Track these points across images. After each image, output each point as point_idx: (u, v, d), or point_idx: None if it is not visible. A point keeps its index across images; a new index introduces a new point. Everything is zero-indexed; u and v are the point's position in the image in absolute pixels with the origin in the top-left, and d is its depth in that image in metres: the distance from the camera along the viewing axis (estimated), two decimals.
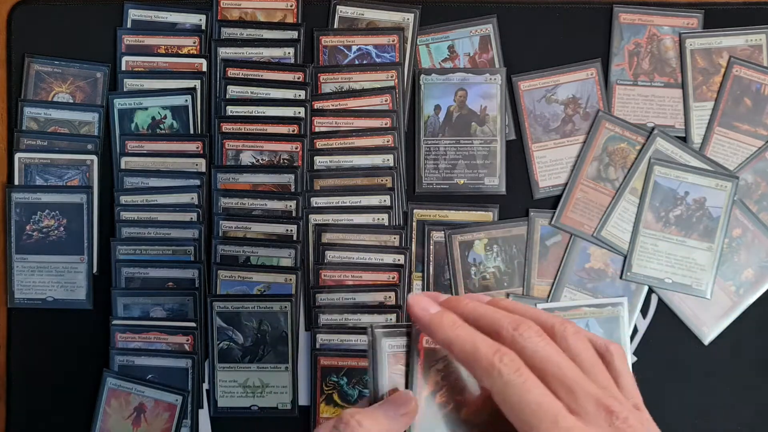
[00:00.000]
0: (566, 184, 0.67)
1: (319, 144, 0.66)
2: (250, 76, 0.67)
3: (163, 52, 0.67)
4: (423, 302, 0.36)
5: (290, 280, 0.65)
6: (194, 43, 0.67)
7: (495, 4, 0.67)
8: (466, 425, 0.36)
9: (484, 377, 0.33)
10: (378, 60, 0.67)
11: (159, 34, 0.67)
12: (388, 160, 0.66)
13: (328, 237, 0.66)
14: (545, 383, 0.32)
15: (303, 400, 0.66)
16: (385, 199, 0.66)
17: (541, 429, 0.31)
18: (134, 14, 0.67)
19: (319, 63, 0.67)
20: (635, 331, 0.66)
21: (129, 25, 0.67)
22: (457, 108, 0.67)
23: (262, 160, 0.66)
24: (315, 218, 0.66)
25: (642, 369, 0.66)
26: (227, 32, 0.67)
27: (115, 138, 0.67)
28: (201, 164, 0.66)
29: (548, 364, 0.32)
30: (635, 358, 0.66)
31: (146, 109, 0.67)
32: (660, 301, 0.66)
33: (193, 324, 0.65)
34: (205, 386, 0.66)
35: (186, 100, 0.67)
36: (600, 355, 0.35)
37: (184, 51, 0.67)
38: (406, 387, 0.37)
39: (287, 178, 0.66)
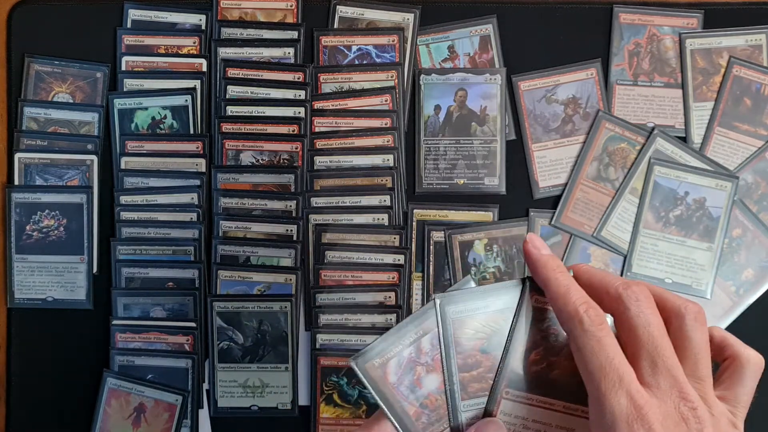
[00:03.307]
0: (566, 184, 0.67)
1: (319, 144, 0.66)
2: (250, 76, 0.67)
3: (163, 52, 0.67)
4: (537, 242, 0.37)
5: (290, 280, 0.65)
6: (194, 43, 0.67)
7: (495, 4, 0.67)
8: (554, 385, 0.37)
9: (566, 321, 0.34)
10: (378, 60, 0.67)
11: (159, 34, 0.67)
12: (388, 160, 0.66)
13: (328, 237, 0.66)
14: (632, 349, 0.33)
15: (303, 400, 0.66)
16: (385, 199, 0.66)
17: (602, 385, 0.31)
18: (134, 14, 0.67)
19: (319, 63, 0.67)
20: None
21: (129, 25, 0.67)
22: (457, 108, 0.67)
23: (262, 160, 0.66)
24: (315, 218, 0.66)
25: None
26: (227, 32, 0.67)
27: (115, 138, 0.67)
28: (201, 164, 0.66)
29: (644, 331, 0.33)
30: None
31: (146, 109, 0.67)
32: None
33: (193, 324, 0.65)
34: (205, 386, 0.66)
35: (186, 100, 0.67)
36: (718, 348, 0.36)
37: (184, 51, 0.67)
38: (507, 341, 0.37)
39: (287, 178, 0.66)
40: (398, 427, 0.36)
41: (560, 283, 0.35)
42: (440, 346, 0.37)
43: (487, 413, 0.37)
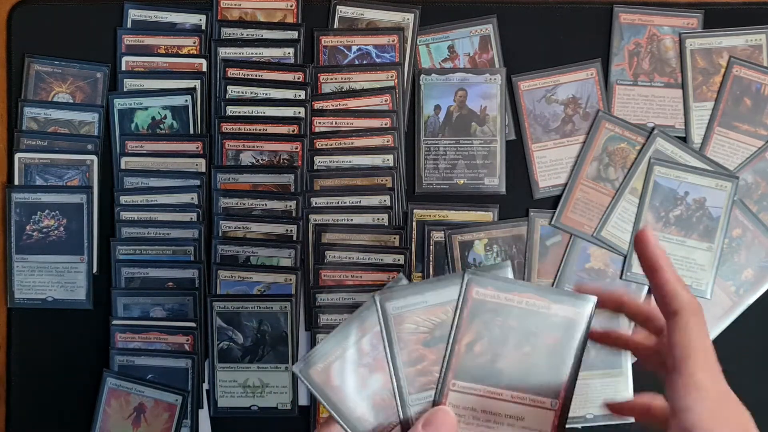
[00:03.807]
0: (566, 184, 0.67)
1: (319, 144, 0.66)
2: (250, 76, 0.67)
3: (163, 52, 0.67)
4: (653, 238, 0.38)
5: (290, 280, 0.65)
6: (194, 43, 0.67)
7: (495, 4, 0.67)
8: (500, 375, 0.38)
9: (680, 305, 0.36)
10: (378, 60, 0.67)
11: (159, 34, 0.67)
12: (388, 160, 0.66)
13: (328, 237, 0.66)
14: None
15: (303, 400, 0.66)
16: (385, 199, 0.66)
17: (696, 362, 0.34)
18: (134, 14, 0.67)
19: (319, 63, 0.67)
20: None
21: (129, 25, 0.67)
22: (457, 108, 0.67)
23: (262, 160, 0.66)
24: (315, 218, 0.66)
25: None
26: (227, 32, 0.67)
27: (115, 138, 0.67)
28: (201, 164, 0.66)
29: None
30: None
31: (146, 109, 0.67)
32: None
33: (193, 324, 0.65)
34: (205, 386, 0.66)
35: (186, 100, 0.67)
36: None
37: (184, 51, 0.67)
38: (450, 334, 0.38)
39: (287, 178, 0.66)
40: (347, 428, 0.37)
41: (674, 272, 0.37)
42: (384, 342, 0.38)
43: (436, 406, 0.38)
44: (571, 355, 0.38)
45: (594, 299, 0.39)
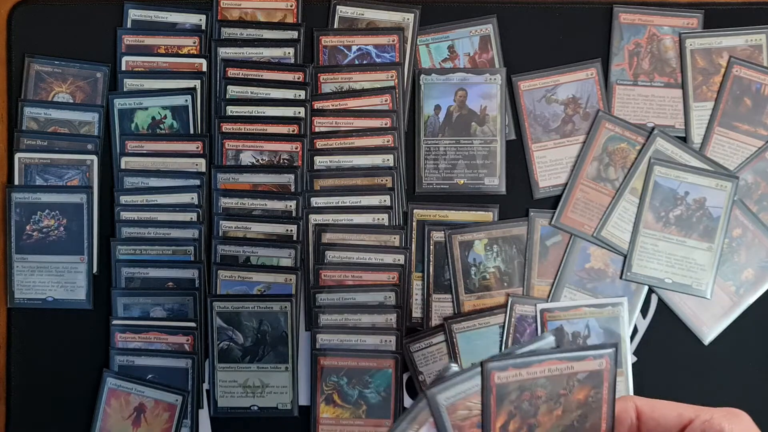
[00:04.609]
0: (566, 184, 0.67)
1: (319, 144, 0.66)
2: (250, 76, 0.67)
3: (163, 52, 0.67)
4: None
5: (290, 280, 0.65)
6: (194, 43, 0.67)
7: (495, 4, 0.67)
8: None
9: None
10: (378, 60, 0.67)
11: (159, 34, 0.67)
12: (388, 160, 0.66)
13: (328, 237, 0.66)
14: None
15: (303, 400, 0.66)
16: (385, 199, 0.66)
17: None
18: (134, 14, 0.67)
19: (319, 63, 0.67)
20: (635, 331, 0.66)
21: (129, 25, 0.67)
22: (457, 108, 0.67)
23: (262, 160, 0.66)
24: (315, 218, 0.66)
25: (642, 369, 0.66)
26: (227, 32, 0.67)
27: (115, 138, 0.67)
28: (201, 164, 0.66)
29: None
30: (635, 359, 0.66)
31: (146, 109, 0.67)
32: (660, 301, 0.66)
33: (193, 324, 0.65)
34: (205, 386, 0.66)
35: (186, 100, 0.67)
36: None
37: (184, 51, 0.67)
38: (482, 424, 0.38)
39: (287, 178, 0.66)
40: None
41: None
42: None
43: None
44: (603, 402, 0.38)
45: (614, 346, 0.39)
